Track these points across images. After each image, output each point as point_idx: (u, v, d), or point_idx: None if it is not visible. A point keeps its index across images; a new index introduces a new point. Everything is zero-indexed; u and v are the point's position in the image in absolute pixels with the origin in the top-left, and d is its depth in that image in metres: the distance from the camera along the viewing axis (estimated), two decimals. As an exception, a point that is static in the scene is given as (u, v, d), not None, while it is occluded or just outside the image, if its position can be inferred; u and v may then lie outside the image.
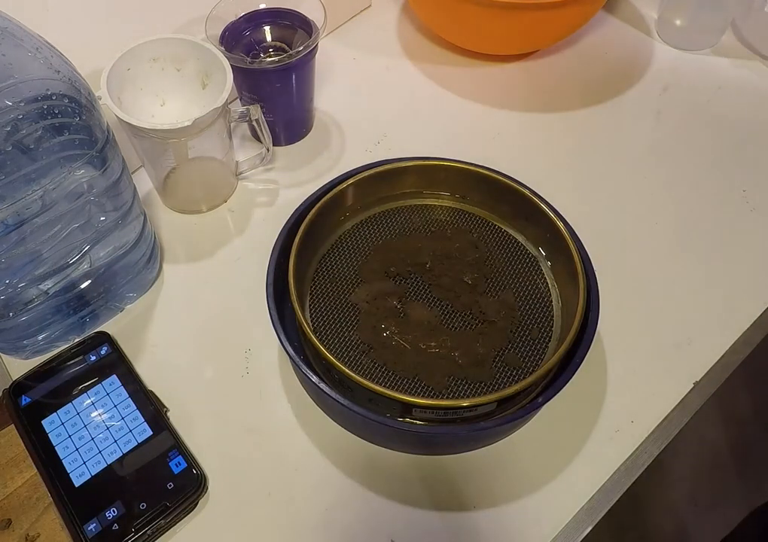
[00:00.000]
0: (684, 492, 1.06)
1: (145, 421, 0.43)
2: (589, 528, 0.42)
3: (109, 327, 0.49)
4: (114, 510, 0.40)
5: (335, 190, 0.46)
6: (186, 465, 0.42)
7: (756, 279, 0.52)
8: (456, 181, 0.49)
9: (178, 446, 0.42)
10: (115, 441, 0.43)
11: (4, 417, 0.44)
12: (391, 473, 0.43)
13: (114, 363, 0.46)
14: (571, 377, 0.39)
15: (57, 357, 0.46)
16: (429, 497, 0.43)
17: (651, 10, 0.72)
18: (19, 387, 0.45)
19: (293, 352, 0.40)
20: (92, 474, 0.41)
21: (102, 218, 0.42)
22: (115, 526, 0.39)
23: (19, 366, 0.47)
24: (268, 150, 0.54)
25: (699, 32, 0.67)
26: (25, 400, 0.44)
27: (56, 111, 0.34)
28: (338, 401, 0.38)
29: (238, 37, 0.54)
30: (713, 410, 1.13)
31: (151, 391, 0.45)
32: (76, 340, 0.47)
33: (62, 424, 0.43)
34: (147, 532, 0.39)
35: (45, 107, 0.34)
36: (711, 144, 0.61)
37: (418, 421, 0.40)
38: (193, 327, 0.49)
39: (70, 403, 0.44)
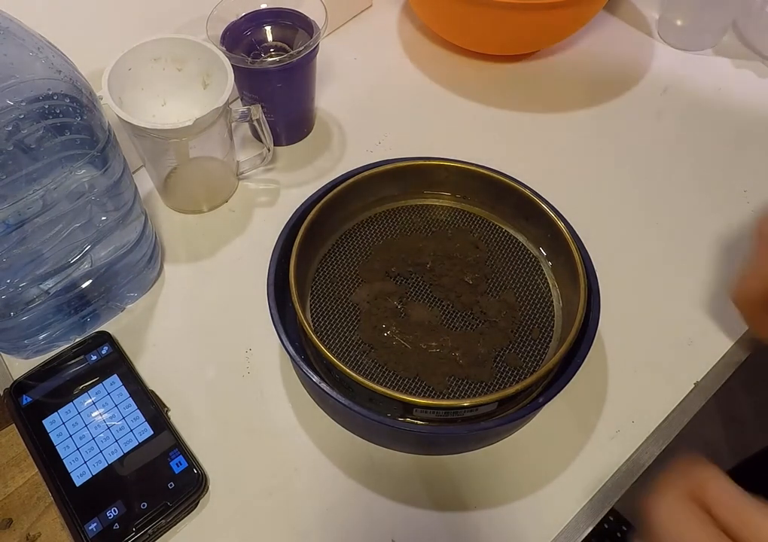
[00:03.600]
0: (684, 492, 1.06)
1: (146, 420, 0.43)
2: (590, 529, 0.42)
3: (110, 326, 0.49)
4: (114, 510, 0.40)
5: (336, 190, 0.46)
6: (187, 465, 0.42)
7: (756, 279, 0.52)
8: (457, 181, 0.49)
9: (179, 446, 0.43)
10: (116, 441, 0.43)
11: (5, 416, 0.44)
12: (392, 473, 0.43)
13: (114, 362, 0.46)
14: (571, 377, 0.39)
15: (58, 357, 0.46)
16: (430, 497, 0.43)
17: (652, 10, 0.72)
18: (20, 386, 0.45)
19: (294, 352, 0.40)
20: (93, 474, 0.41)
21: (103, 218, 0.42)
22: (116, 526, 0.39)
23: (20, 366, 0.47)
24: (269, 150, 0.54)
25: (700, 32, 0.67)
26: (26, 399, 0.44)
27: (58, 111, 0.35)
28: (339, 401, 0.38)
29: (239, 37, 0.54)
30: (713, 411, 1.13)
31: (152, 391, 0.45)
32: (77, 340, 0.47)
33: (63, 423, 0.43)
34: (148, 532, 0.39)
35: (46, 107, 0.34)
36: (712, 144, 0.61)
37: (418, 421, 0.40)
38: (194, 326, 0.49)
39: (71, 403, 0.44)
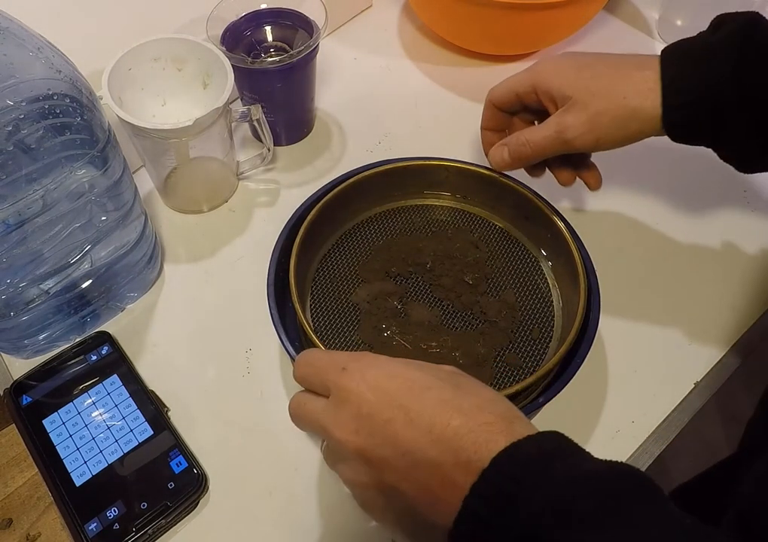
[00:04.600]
0: (684, 492, 1.06)
1: (146, 420, 0.43)
2: (590, 528, 0.42)
3: (110, 326, 0.49)
4: (114, 510, 0.40)
5: (336, 190, 0.46)
6: (187, 465, 0.42)
7: (756, 280, 0.52)
8: (457, 180, 0.49)
9: (179, 446, 0.43)
10: (116, 441, 0.43)
11: (5, 416, 0.44)
12: (392, 473, 0.43)
13: (114, 362, 0.46)
14: (571, 377, 0.39)
15: (58, 357, 0.46)
16: (430, 497, 0.42)
17: (652, 10, 0.72)
18: (20, 386, 0.45)
19: (294, 352, 0.40)
20: (93, 474, 0.41)
21: (103, 218, 0.42)
22: (116, 526, 0.39)
23: (20, 366, 0.47)
24: (269, 150, 0.54)
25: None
26: (26, 399, 0.44)
27: (58, 111, 0.35)
28: (339, 401, 0.38)
29: (239, 37, 0.54)
30: (713, 411, 1.13)
31: (152, 391, 0.45)
32: (77, 340, 0.47)
33: (63, 423, 0.43)
34: (148, 532, 0.39)
35: (46, 107, 0.34)
36: (712, 144, 0.61)
37: (418, 421, 0.40)
38: (194, 326, 0.49)
39: (71, 403, 0.44)
